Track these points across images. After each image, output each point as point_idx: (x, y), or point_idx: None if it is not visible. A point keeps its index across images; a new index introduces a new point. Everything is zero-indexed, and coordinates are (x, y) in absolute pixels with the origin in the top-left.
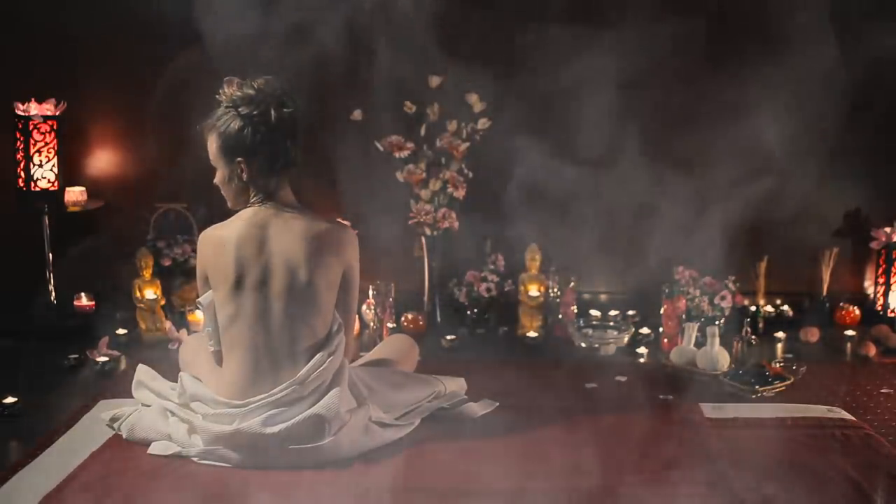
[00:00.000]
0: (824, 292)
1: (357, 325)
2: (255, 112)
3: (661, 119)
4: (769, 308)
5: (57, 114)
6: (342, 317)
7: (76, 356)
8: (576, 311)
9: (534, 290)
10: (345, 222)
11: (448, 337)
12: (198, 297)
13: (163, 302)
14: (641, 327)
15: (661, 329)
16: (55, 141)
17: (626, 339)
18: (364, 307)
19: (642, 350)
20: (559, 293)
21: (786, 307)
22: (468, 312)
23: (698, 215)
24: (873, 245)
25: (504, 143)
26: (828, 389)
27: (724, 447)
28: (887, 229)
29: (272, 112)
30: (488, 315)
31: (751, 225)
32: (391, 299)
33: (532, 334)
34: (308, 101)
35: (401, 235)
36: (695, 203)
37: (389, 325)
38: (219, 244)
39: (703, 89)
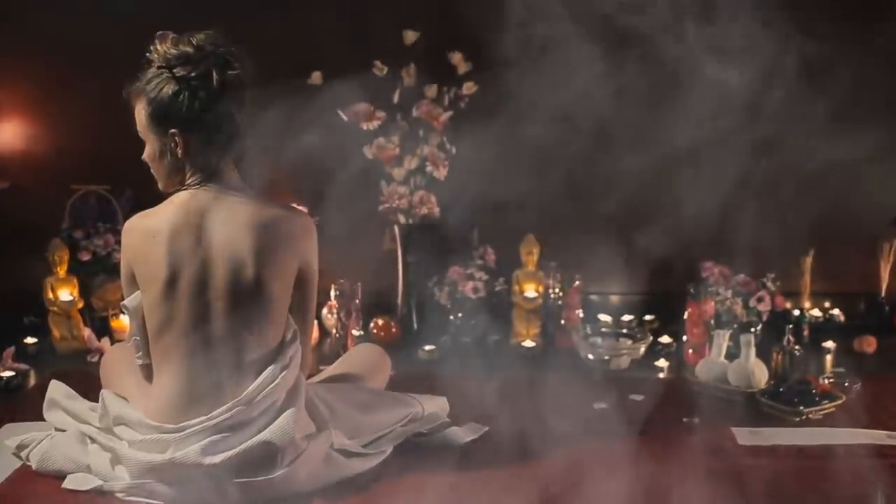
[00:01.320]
0: (882, 292)
1: (316, 333)
2: (193, 74)
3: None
4: (816, 312)
5: None
6: (298, 323)
7: None
8: (581, 315)
9: (531, 291)
10: (301, 208)
11: (427, 347)
12: (123, 298)
13: (80, 305)
14: (661, 335)
15: (684, 338)
16: None
17: (642, 350)
18: (325, 311)
19: (662, 363)
20: (561, 294)
21: (836, 311)
22: (451, 317)
23: (728, 200)
24: None
25: (494, 111)
26: (888, 411)
27: (761, 481)
28: None
29: (214, 74)
30: (475, 321)
31: (793, 211)
32: (357, 301)
33: (528, 344)
34: (257, 61)
35: (369, 224)
36: (723, 185)
37: (355, 332)
38: (148, 235)
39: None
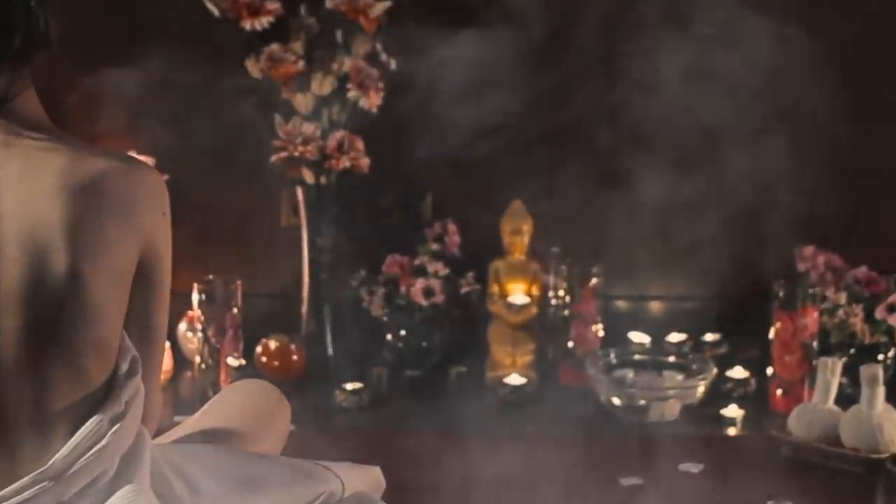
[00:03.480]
0: None
1: (169, 363)
2: None
3: None
4: None
5: None
6: (138, 346)
7: None
8: (602, 333)
9: (518, 294)
10: (144, 159)
11: (349, 386)
12: None
13: None
14: (731, 366)
15: (769, 370)
16: None
17: (700, 391)
18: (182, 327)
19: (733, 411)
20: (568, 299)
21: None
22: (389, 337)
23: (834, 162)
24: None
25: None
26: None
27: None
28: None
29: None
30: (428, 342)
31: None
32: (236, 311)
33: (515, 380)
34: None
35: (255, 186)
36: (828, 140)
37: (233, 361)
38: None
39: None
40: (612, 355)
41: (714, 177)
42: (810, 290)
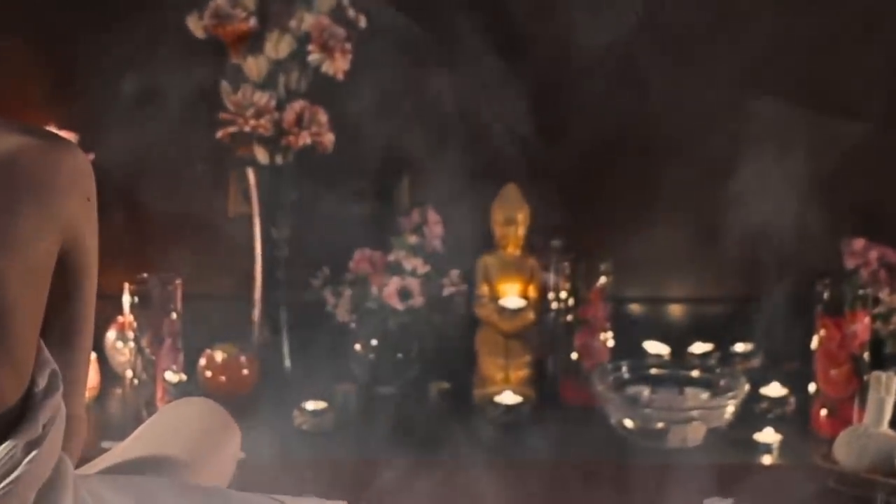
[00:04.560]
0: None
1: (95, 378)
2: None
3: None
4: None
5: None
6: (59, 357)
7: None
8: (612, 343)
9: (512, 295)
10: (65, 134)
11: (310, 406)
12: None
13: None
14: (766, 383)
15: (811, 387)
16: None
17: (729, 412)
18: (111, 336)
19: (769, 436)
20: (573, 302)
21: None
22: (357, 347)
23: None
24: None
25: None
26: None
27: None
28: None
29: None
30: (403, 353)
31: None
32: (175, 315)
33: (508, 399)
34: None
35: (198, 167)
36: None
37: (171, 376)
38: None
39: None
40: (625, 369)
41: (748, 156)
42: (860, 292)
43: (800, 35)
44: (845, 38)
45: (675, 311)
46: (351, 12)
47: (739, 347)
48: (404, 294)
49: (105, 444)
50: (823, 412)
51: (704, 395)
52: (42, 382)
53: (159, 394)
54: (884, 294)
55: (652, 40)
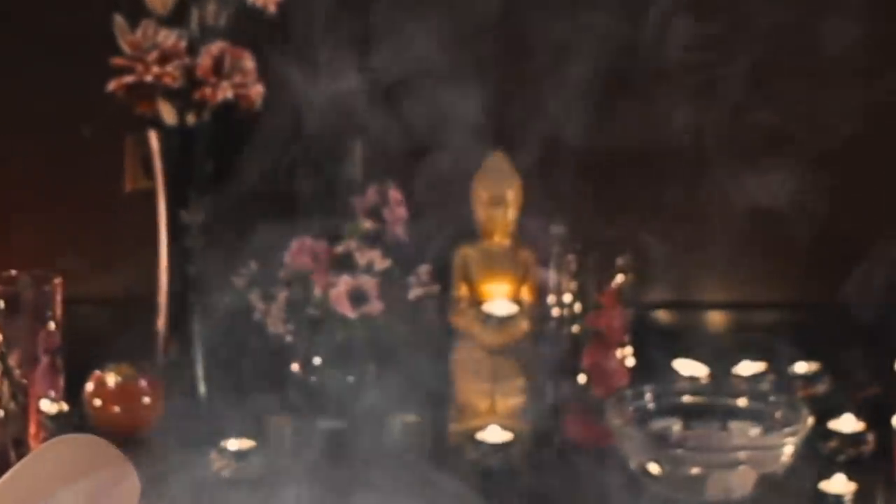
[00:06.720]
0: None
1: None
2: None
3: None
4: None
5: None
6: None
7: None
8: (631, 361)
9: (500, 299)
10: None
11: (232, 444)
12: None
13: None
14: (836, 414)
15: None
16: None
17: (788, 451)
18: None
19: (839, 484)
20: (580, 307)
21: None
22: (296, 367)
23: None
24: None
25: None
26: None
27: None
28: None
29: None
30: (358, 376)
31: None
32: (53, 326)
33: (496, 435)
34: None
35: (84, 130)
36: None
37: (49, 405)
38: None
39: None
40: (648, 396)
41: (796, 133)
42: None
43: None
44: None
45: (715, 319)
46: None
47: (800, 368)
48: (357, 297)
49: None
50: None
51: (754, 432)
52: None
53: (32, 429)
54: None
55: None
